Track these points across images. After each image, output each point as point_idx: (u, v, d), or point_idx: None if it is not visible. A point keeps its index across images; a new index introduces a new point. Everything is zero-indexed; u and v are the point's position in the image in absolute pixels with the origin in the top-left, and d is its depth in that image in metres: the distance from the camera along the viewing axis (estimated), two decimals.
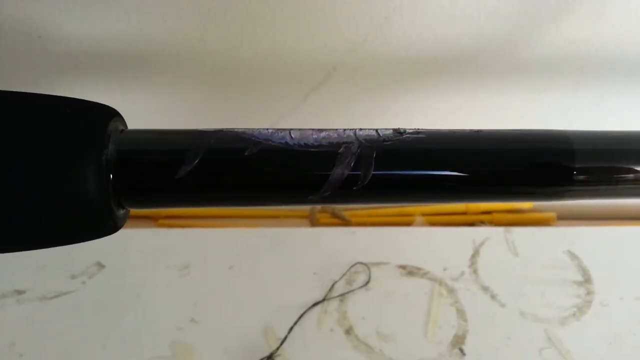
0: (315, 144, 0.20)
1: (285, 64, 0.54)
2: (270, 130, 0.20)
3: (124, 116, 0.21)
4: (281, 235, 0.58)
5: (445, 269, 0.54)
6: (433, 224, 0.64)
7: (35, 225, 0.18)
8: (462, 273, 0.53)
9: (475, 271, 0.54)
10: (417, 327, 0.48)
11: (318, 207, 0.65)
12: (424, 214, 0.64)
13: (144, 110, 0.57)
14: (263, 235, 0.58)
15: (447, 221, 0.64)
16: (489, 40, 0.52)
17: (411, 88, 0.57)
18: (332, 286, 0.52)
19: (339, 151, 0.20)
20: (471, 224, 0.64)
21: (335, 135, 0.20)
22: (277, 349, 0.46)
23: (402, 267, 0.54)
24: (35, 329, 0.47)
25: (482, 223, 0.64)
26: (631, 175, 0.21)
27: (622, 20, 0.51)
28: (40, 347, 0.46)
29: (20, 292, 0.51)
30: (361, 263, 0.54)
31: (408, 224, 0.63)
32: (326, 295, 0.51)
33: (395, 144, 0.20)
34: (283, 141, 0.20)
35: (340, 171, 0.20)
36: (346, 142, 0.20)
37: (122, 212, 0.20)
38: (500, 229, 0.59)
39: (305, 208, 0.65)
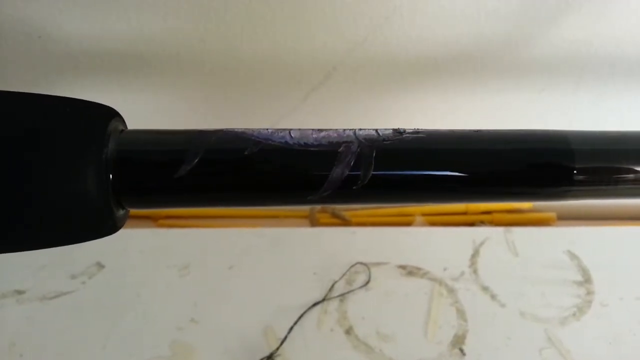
0: (315, 143, 0.20)
1: (285, 64, 0.54)
2: (270, 130, 0.20)
3: (124, 116, 0.21)
4: (281, 235, 0.58)
5: (445, 269, 0.54)
6: (433, 224, 0.64)
7: (35, 225, 0.18)
8: (462, 273, 0.53)
9: (475, 271, 0.54)
10: (417, 327, 0.48)
11: (318, 207, 0.65)
12: (424, 214, 0.64)
13: (144, 110, 0.57)
14: (263, 235, 0.58)
15: (447, 221, 0.64)
16: (489, 40, 0.52)
17: (411, 88, 0.57)
18: (332, 286, 0.52)
19: (339, 150, 0.20)
20: (471, 224, 0.64)
21: (335, 134, 0.20)
22: (277, 349, 0.46)
23: (402, 267, 0.54)
24: (35, 329, 0.47)
25: (482, 223, 0.64)
26: (631, 176, 0.21)
27: (622, 20, 0.51)
28: (40, 347, 0.46)
29: (20, 292, 0.51)
30: (361, 263, 0.54)
31: (408, 224, 0.63)
32: (326, 295, 0.51)
33: (395, 143, 0.20)
34: (283, 141, 0.20)
35: (340, 170, 0.20)
36: (346, 142, 0.20)
37: (122, 212, 0.20)
38: (500, 229, 0.59)
39: (305, 208, 0.65)
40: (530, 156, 0.21)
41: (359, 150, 0.20)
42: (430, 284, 0.52)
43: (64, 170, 0.18)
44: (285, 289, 0.52)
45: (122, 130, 0.20)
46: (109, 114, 0.20)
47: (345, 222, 0.64)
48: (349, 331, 0.48)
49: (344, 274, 0.53)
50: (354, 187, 0.20)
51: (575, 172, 0.21)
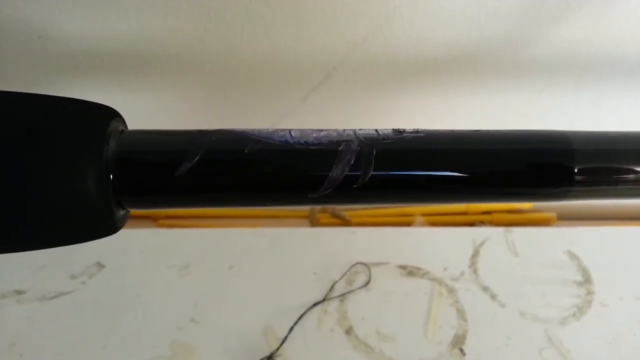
0: (315, 142, 0.20)
1: (285, 64, 0.54)
2: (270, 130, 0.20)
3: (124, 116, 0.21)
4: (281, 235, 0.58)
5: (445, 269, 0.54)
6: (433, 224, 0.64)
7: (35, 225, 0.18)
8: (462, 273, 0.53)
9: (475, 271, 0.54)
10: (417, 327, 0.48)
11: (318, 207, 0.65)
12: (424, 214, 0.64)
13: (144, 110, 0.57)
14: (263, 235, 0.58)
15: (447, 221, 0.64)
16: (489, 40, 0.52)
17: (411, 88, 0.57)
18: (332, 286, 0.52)
19: (339, 149, 0.20)
20: (471, 224, 0.64)
21: (335, 134, 0.20)
22: (277, 349, 0.46)
23: (402, 267, 0.54)
24: (35, 329, 0.47)
25: (482, 223, 0.64)
26: (631, 176, 0.21)
27: (622, 20, 0.51)
28: (40, 347, 0.46)
29: (20, 292, 0.51)
30: (361, 263, 0.54)
31: (408, 224, 0.63)
32: (326, 296, 0.51)
33: (395, 143, 0.20)
34: (283, 140, 0.20)
35: (340, 169, 0.20)
36: (346, 140, 0.20)
37: (122, 212, 0.20)
38: (500, 229, 0.59)
39: (305, 208, 0.65)
40: (530, 156, 0.21)
41: (359, 149, 0.20)
42: (430, 284, 0.52)
43: (64, 171, 0.18)
44: (285, 289, 0.52)
45: (122, 131, 0.20)
46: (109, 114, 0.20)
47: (345, 222, 0.64)
48: (349, 331, 0.48)
49: (344, 274, 0.53)
50: (354, 186, 0.20)
51: (575, 172, 0.21)
